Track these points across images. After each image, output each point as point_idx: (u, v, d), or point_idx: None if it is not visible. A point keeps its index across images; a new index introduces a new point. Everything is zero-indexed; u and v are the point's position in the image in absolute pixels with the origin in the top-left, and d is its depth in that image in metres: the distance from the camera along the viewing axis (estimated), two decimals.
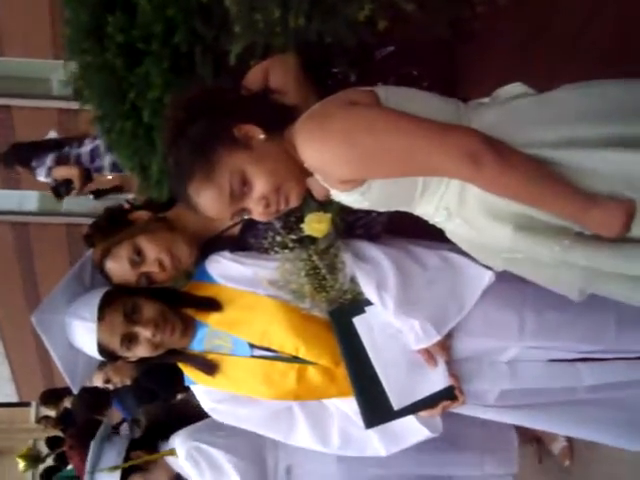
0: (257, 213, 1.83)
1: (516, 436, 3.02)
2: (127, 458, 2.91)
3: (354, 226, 2.18)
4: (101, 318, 2.11)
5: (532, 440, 3.65)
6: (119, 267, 2.18)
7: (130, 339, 2.14)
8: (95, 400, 4.67)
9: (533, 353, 2.14)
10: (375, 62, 2.74)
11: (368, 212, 2.12)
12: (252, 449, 2.82)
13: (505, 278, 2.02)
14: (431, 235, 2.10)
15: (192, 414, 3.26)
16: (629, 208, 1.54)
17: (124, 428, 4.00)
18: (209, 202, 1.80)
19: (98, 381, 4.56)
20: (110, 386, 4.56)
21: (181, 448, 2.81)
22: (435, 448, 2.76)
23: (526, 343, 2.12)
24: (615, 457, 3.13)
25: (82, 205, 9.26)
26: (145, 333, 2.13)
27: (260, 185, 1.77)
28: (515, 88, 1.79)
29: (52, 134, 6.35)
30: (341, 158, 1.64)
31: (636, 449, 2.31)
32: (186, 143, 1.79)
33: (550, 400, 2.21)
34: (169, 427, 3.02)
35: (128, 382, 4.43)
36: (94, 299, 2.14)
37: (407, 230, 2.21)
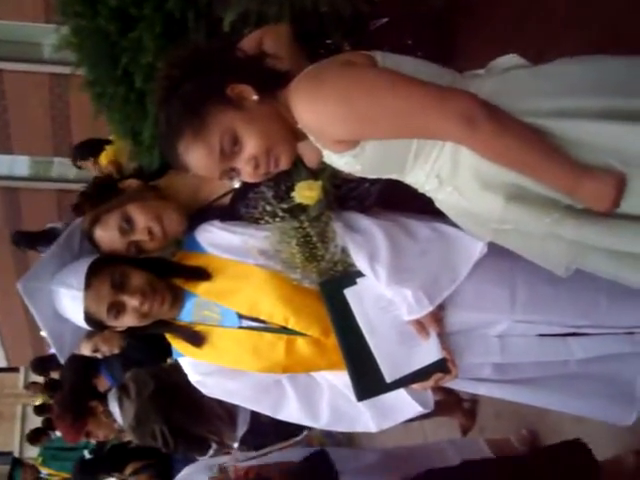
0: (246, 173, 1.82)
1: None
2: None
3: (347, 197, 2.15)
4: (88, 286, 2.08)
5: None
6: (108, 235, 2.16)
7: (117, 308, 2.10)
8: (83, 368, 4.66)
9: (523, 327, 2.14)
10: (369, 33, 2.73)
11: (360, 182, 2.11)
12: None
13: (496, 252, 2.01)
14: (422, 210, 2.11)
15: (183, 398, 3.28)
16: (620, 181, 1.55)
17: (112, 393, 4.01)
18: (198, 160, 1.79)
19: (86, 350, 4.55)
20: (98, 355, 4.55)
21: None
22: None
23: (517, 317, 2.12)
24: None
25: (74, 172, 9.23)
26: (132, 302, 2.10)
27: (251, 145, 1.76)
28: (510, 60, 1.78)
29: (52, 224, 6.50)
30: (337, 116, 1.64)
31: (624, 424, 2.32)
32: (178, 100, 1.78)
33: (543, 374, 2.21)
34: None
35: (116, 351, 4.42)
36: (82, 267, 2.11)
37: (398, 204, 2.18)
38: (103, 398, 4.05)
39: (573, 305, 2.11)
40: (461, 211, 1.85)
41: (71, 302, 2.10)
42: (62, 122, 9.60)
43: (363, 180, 2.08)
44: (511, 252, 1.94)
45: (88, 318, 2.11)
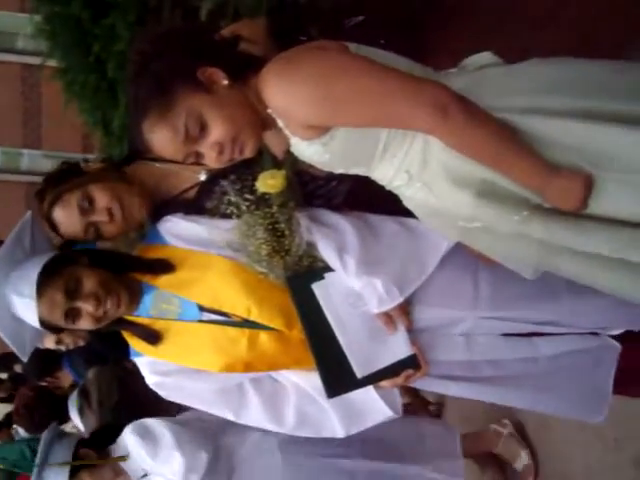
0: (210, 158, 1.79)
1: (460, 446, 3.09)
2: (76, 455, 2.91)
3: (314, 195, 2.14)
4: (40, 295, 2.03)
5: (490, 458, 3.66)
6: (67, 215, 2.12)
7: (72, 314, 2.07)
8: (46, 363, 4.60)
9: (487, 325, 2.14)
10: (344, 30, 2.72)
11: (328, 181, 2.10)
12: (202, 431, 2.84)
13: (461, 249, 2.02)
14: (390, 212, 2.11)
15: (147, 407, 3.24)
16: (588, 181, 1.55)
17: (73, 397, 3.96)
18: (162, 141, 1.76)
19: (49, 343, 4.50)
20: (62, 347, 4.49)
21: (129, 429, 2.83)
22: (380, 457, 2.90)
23: (481, 313, 2.12)
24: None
25: (44, 164, 9.14)
26: (87, 307, 2.06)
27: (217, 131, 1.74)
28: (483, 57, 1.78)
29: None
30: (308, 98, 1.62)
31: (596, 420, 2.34)
32: (148, 78, 1.75)
33: (513, 373, 2.20)
34: (119, 428, 3.01)
35: (81, 343, 4.38)
36: (33, 273, 2.04)
37: (366, 206, 2.17)
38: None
39: (536, 301, 2.12)
40: (429, 209, 1.84)
41: (25, 309, 2.06)
42: (33, 114, 9.51)
43: (330, 178, 2.07)
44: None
45: (44, 324, 2.08)
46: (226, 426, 2.88)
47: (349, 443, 2.81)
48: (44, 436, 3.00)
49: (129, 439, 2.84)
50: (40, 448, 2.93)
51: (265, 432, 2.81)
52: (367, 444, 2.89)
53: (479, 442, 3.57)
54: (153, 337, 2.16)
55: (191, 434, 2.80)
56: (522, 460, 3.48)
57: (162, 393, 2.27)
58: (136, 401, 3.39)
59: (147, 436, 2.79)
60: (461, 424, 4.04)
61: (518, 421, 3.55)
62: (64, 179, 2.16)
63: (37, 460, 2.92)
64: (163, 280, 2.15)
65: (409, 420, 3.20)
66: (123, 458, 2.84)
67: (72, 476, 2.86)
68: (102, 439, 3.04)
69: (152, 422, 2.80)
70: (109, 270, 2.14)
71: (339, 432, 2.22)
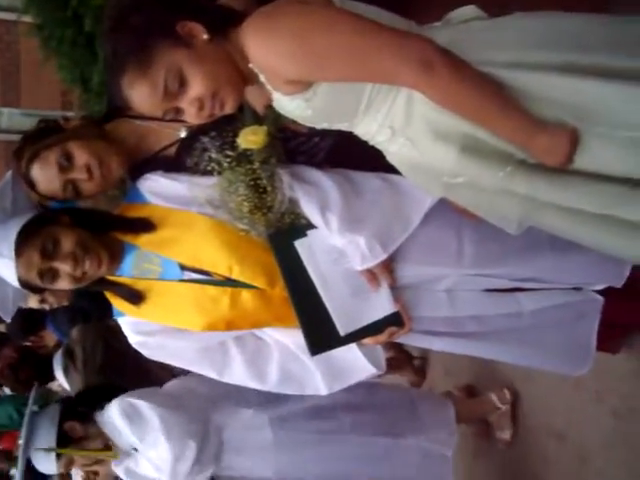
0: (190, 114, 1.76)
1: (453, 418, 3.16)
2: (61, 428, 2.93)
3: (296, 152, 2.11)
4: (18, 254, 2.02)
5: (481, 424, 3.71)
6: (46, 172, 2.09)
7: (50, 274, 2.06)
8: (29, 322, 4.60)
9: (471, 281, 2.15)
10: None
11: (310, 137, 2.07)
12: (191, 411, 2.87)
13: (444, 206, 2.02)
14: (373, 170, 2.10)
15: (131, 367, 3.24)
16: (574, 137, 1.54)
17: (58, 356, 3.95)
18: (141, 96, 1.73)
19: (33, 302, 4.50)
20: (46, 306, 4.50)
21: (117, 407, 2.84)
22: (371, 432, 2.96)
23: (464, 270, 2.13)
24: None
25: (22, 123, 9.02)
26: (64, 268, 2.05)
27: (196, 86, 1.70)
28: (468, 11, 1.75)
29: None
30: (292, 52, 1.59)
31: (578, 374, 2.39)
32: (126, 32, 1.71)
33: (497, 328, 2.22)
34: (105, 392, 3.01)
35: (64, 302, 4.38)
36: (12, 233, 2.04)
37: (349, 163, 2.15)
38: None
39: (519, 258, 2.13)
40: (413, 165, 1.82)
41: (5, 269, 2.05)
42: (11, 71, 9.35)
43: (313, 134, 2.04)
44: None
45: (23, 284, 2.08)
46: (218, 400, 2.92)
47: (341, 418, 2.88)
48: (26, 412, 3.01)
49: (116, 417, 2.85)
50: (24, 426, 2.96)
51: (256, 409, 2.89)
52: (359, 420, 2.96)
53: (476, 409, 3.62)
54: (135, 297, 2.15)
55: (180, 418, 2.81)
56: (505, 435, 3.57)
57: (145, 352, 2.27)
58: (121, 360, 3.39)
59: (135, 418, 2.81)
60: (445, 378, 4.09)
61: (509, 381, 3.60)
62: (43, 137, 2.13)
63: (22, 439, 2.95)
64: (144, 239, 2.14)
65: (403, 394, 3.23)
66: (112, 454, 2.89)
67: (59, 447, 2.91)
68: (87, 401, 3.05)
69: (141, 405, 2.81)
70: (90, 230, 2.13)
71: (322, 389, 2.23)
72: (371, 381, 2.96)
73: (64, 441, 2.92)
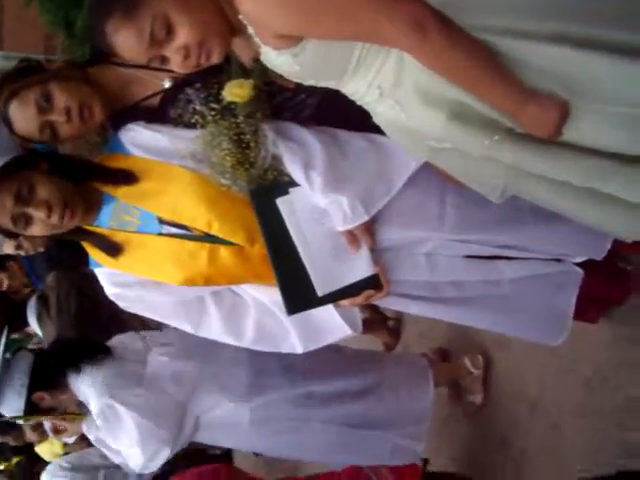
0: (175, 63, 1.73)
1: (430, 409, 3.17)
2: (29, 398, 3.00)
3: (282, 108, 2.08)
4: None
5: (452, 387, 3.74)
6: (23, 112, 2.05)
7: (24, 219, 2.04)
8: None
9: (451, 246, 2.15)
10: None
11: (297, 93, 2.04)
12: (168, 411, 2.88)
13: (428, 171, 2.01)
14: (359, 129, 2.07)
15: (104, 316, 3.22)
16: (564, 108, 1.52)
17: (32, 303, 3.93)
18: (126, 42, 1.69)
19: (9, 248, 4.46)
20: (22, 252, 4.46)
21: (96, 403, 2.85)
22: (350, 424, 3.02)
23: (445, 235, 2.12)
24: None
25: (4, 66, 8.85)
26: (38, 214, 2.03)
27: (183, 34, 1.67)
28: None
29: None
30: (280, 7, 1.55)
31: (554, 343, 2.40)
32: None
33: (475, 294, 2.23)
34: (78, 347, 3.00)
35: (40, 249, 4.34)
36: None
37: (335, 122, 2.12)
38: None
39: (500, 226, 2.13)
40: (400, 127, 1.80)
41: None
42: None
43: (299, 90, 2.01)
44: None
45: None
46: (202, 383, 2.94)
47: (326, 406, 2.96)
48: None
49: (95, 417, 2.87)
50: None
51: (237, 402, 2.91)
52: (344, 412, 3.01)
53: (449, 373, 3.66)
54: (113, 249, 2.13)
55: (159, 430, 2.83)
56: (476, 399, 3.60)
57: (121, 304, 2.26)
58: (95, 309, 3.38)
59: (112, 422, 2.83)
60: (420, 340, 4.11)
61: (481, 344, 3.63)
62: (23, 76, 2.08)
63: None
64: (123, 191, 2.11)
65: (390, 392, 3.19)
66: (81, 417, 2.99)
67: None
68: (60, 359, 3.03)
69: (121, 410, 2.80)
70: (69, 178, 2.10)
71: (298, 347, 2.24)
72: (361, 366, 3.12)
73: (32, 410, 2.99)
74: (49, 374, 3.04)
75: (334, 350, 3.00)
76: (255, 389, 2.93)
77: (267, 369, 2.96)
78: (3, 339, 3.12)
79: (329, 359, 3.04)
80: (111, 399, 2.81)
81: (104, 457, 3.17)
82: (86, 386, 2.90)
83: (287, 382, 2.97)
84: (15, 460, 5.31)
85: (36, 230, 2.07)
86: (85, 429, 2.94)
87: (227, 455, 5.43)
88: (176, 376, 2.91)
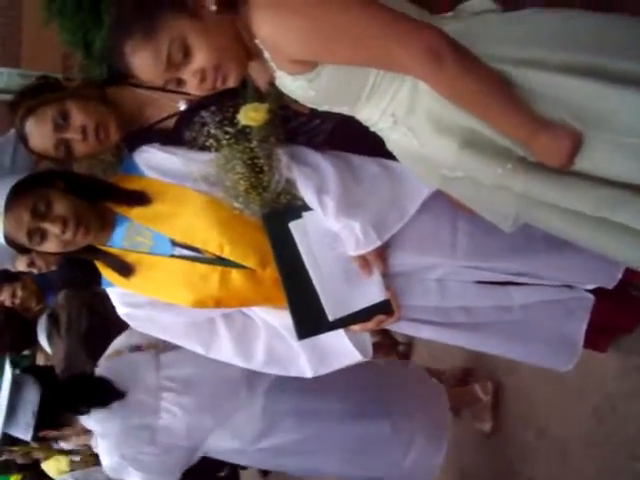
0: (191, 86, 1.75)
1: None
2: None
3: (296, 132, 2.09)
4: (8, 210, 2.01)
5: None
6: (40, 128, 2.07)
7: (39, 234, 2.04)
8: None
9: (462, 272, 2.15)
10: None
11: (311, 118, 2.05)
12: (178, 462, 2.94)
13: (440, 197, 2.00)
14: (372, 155, 2.08)
15: (114, 334, 3.22)
16: (577, 138, 1.52)
17: (42, 321, 3.94)
18: (144, 64, 1.71)
19: (22, 265, 4.47)
20: (34, 270, 4.48)
21: (107, 458, 2.90)
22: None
23: (457, 261, 2.12)
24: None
25: (22, 84, 8.92)
26: (53, 230, 2.03)
27: (200, 58, 1.68)
28: (481, 3, 1.73)
29: None
30: (297, 33, 1.57)
31: (563, 370, 2.39)
32: None
33: (486, 320, 2.23)
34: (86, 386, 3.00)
35: (53, 267, 4.36)
36: (6, 188, 2.03)
37: (348, 147, 2.13)
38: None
39: (513, 254, 2.13)
40: (413, 154, 1.80)
41: None
42: (13, 31, 9.25)
43: (314, 116, 2.02)
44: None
45: (8, 241, 2.06)
46: (209, 438, 2.95)
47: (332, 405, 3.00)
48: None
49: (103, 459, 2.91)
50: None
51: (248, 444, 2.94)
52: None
53: (460, 399, 3.62)
54: (125, 269, 2.14)
55: (164, 477, 2.92)
56: (484, 427, 3.58)
57: (133, 324, 2.27)
58: (105, 328, 3.38)
59: (122, 474, 2.90)
60: (429, 363, 4.09)
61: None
62: (41, 92, 2.11)
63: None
64: (137, 212, 2.12)
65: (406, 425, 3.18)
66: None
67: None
68: (67, 400, 3.04)
69: (131, 470, 2.85)
70: (84, 198, 2.11)
71: (307, 372, 2.23)
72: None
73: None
74: (57, 413, 3.10)
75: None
76: (266, 431, 2.94)
77: (280, 412, 2.97)
78: (8, 369, 3.15)
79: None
80: (122, 459, 2.85)
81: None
82: (96, 433, 2.95)
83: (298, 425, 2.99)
84: (20, 477, 5.31)
85: (50, 246, 2.08)
86: (93, 444, 2.97)
87: (233, 476, 5.39)
88: (189, 430, 2.91)
